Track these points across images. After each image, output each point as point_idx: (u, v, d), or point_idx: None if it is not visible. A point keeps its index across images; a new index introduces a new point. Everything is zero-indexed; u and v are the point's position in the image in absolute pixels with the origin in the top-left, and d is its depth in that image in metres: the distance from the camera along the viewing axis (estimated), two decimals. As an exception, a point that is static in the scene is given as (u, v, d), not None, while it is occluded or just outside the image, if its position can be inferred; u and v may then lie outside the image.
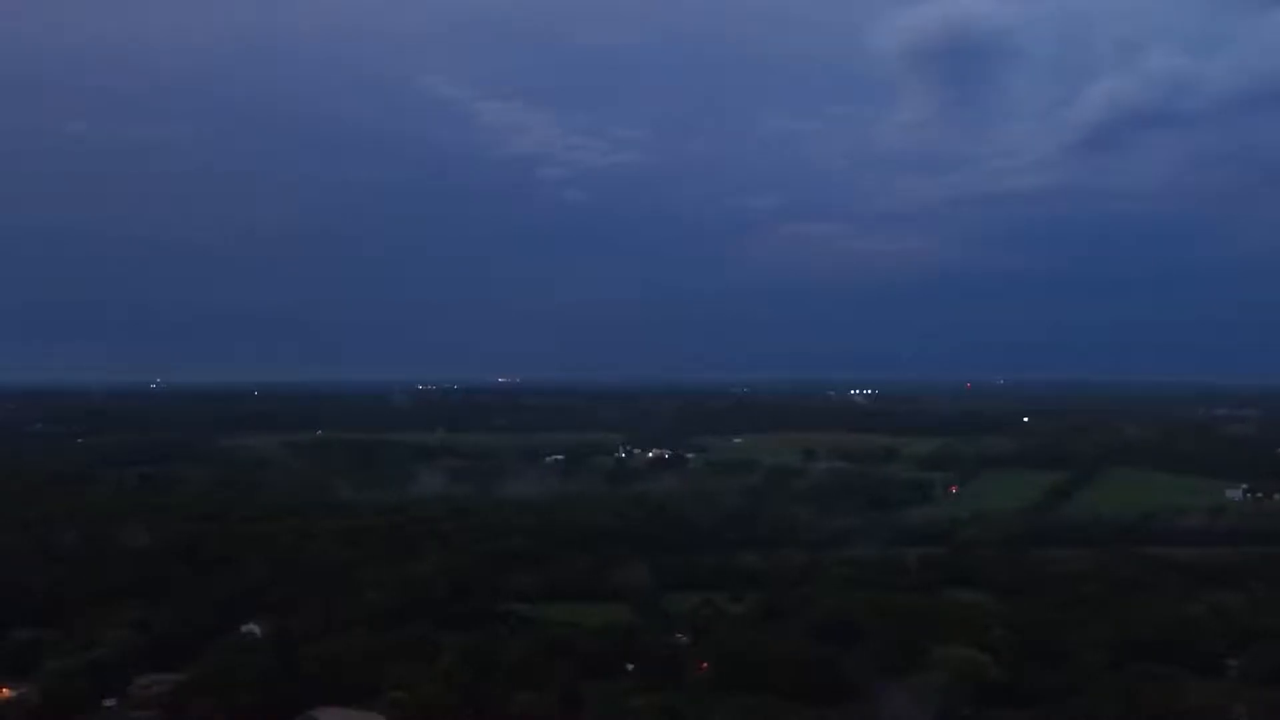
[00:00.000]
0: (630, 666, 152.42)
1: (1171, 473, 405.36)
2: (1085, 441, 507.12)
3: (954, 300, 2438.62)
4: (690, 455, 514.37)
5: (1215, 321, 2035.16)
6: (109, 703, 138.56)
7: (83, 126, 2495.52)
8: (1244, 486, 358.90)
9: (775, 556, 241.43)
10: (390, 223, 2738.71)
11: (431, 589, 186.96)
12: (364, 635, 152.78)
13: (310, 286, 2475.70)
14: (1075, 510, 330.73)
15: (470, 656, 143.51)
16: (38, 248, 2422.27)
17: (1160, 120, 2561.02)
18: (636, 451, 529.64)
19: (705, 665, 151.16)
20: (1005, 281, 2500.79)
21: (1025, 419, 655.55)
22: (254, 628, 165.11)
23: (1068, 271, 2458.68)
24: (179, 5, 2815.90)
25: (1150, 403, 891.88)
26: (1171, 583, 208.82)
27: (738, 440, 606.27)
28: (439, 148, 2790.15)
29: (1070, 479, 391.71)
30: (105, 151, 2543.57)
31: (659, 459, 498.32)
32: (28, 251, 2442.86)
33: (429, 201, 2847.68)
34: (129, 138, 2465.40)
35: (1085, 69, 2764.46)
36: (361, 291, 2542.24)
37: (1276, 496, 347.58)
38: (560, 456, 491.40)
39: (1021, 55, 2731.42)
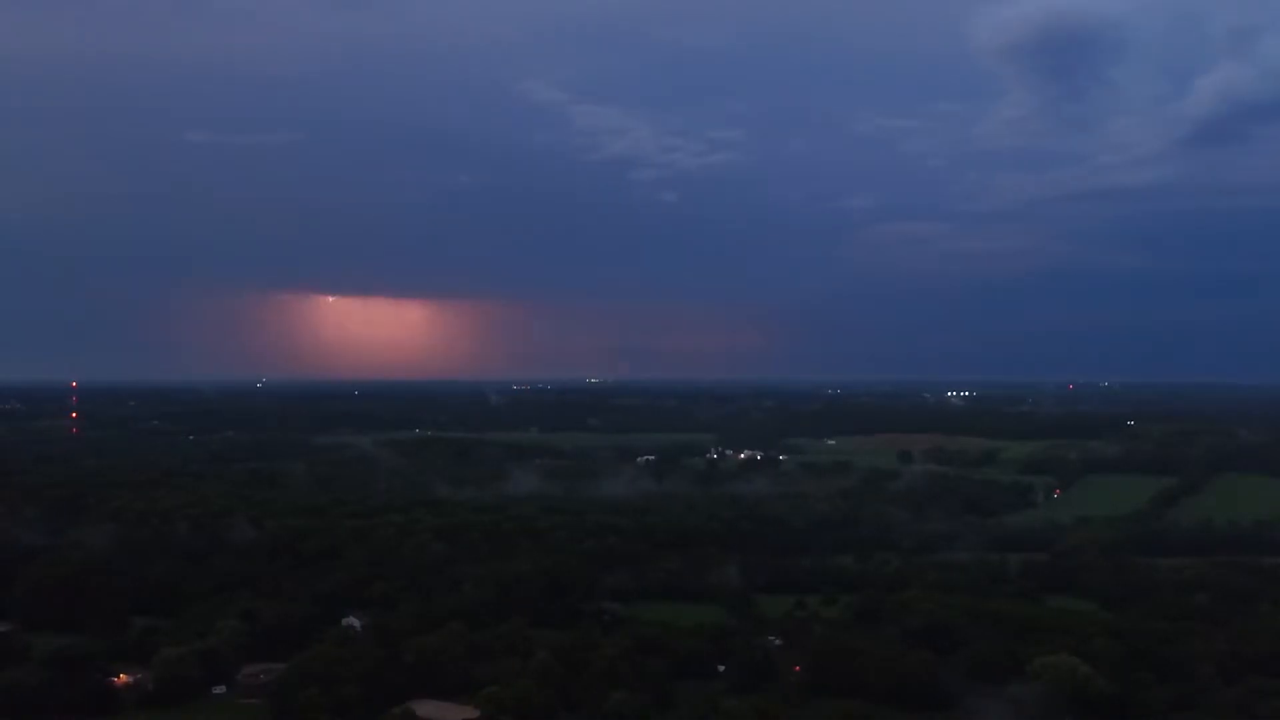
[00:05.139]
0: (722, 668, 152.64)
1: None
2: (1195, 446, 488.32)
3: (1058, 300, 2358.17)
4: (783, 457, 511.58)
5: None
6: (218, 690, 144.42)
7: (202, 136, 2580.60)
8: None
9: (870, 560, 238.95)
10: (483, 225, 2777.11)
11: (526, 587, 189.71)
12: (460, 631, 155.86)
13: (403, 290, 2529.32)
14: (1184, 517, 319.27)
15: (564, 654, 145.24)
16: (147, 250, 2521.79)
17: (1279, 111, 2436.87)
18: (729, 453, 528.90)
19: (798, 668, 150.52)
20: (1112, 281, 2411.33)
21: (1131, 422, 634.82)
22: (354, 621, 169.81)
23: (1179, 270, 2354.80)
24: (287, 19, 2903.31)
25: (1264, 405, 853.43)
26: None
27: (831, 442, 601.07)
28: (536, 151, 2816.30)
29: (1179, 485, 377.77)
30: (219, 160, 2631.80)
31: (751, 460, 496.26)
32: (142, 254, 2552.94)
33: (524, 205, 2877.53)
34: (239, 146, 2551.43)
35: (1197, 60, 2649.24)
36: (452, 294, 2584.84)
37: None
38: (652, 457, 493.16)
39: (1129, 47, 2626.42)
